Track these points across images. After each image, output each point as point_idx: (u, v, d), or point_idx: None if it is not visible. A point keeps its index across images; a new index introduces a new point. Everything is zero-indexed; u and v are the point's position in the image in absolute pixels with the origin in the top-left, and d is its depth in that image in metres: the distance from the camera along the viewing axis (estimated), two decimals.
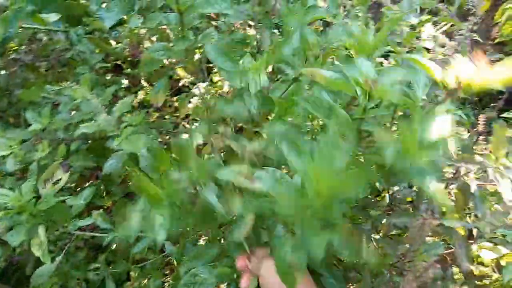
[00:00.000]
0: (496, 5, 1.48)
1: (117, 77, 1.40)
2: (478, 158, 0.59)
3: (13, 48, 1.34)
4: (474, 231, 0.71)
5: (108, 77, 1.40)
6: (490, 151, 0.58)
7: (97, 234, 0.98)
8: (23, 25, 0.93)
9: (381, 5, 1.00)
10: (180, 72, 1.31)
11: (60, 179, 0.89)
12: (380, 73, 0.50)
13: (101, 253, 1.14)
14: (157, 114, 1.43)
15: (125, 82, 1.44)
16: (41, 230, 0.83)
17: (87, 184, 1.17)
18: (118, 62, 1.50)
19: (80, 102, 0.89)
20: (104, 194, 1.15)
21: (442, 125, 0.46)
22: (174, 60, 1.17)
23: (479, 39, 1.10)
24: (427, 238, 0.73)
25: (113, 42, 1.33)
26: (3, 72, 1.28)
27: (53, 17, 0.86)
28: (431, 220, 0.58)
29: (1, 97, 1.30)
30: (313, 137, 0.66)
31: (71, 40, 1.00)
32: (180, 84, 1.40)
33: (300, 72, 0.66)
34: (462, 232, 0.68)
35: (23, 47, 1.35)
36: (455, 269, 0.74)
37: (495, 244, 0.74)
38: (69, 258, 1.17)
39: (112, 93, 0.92)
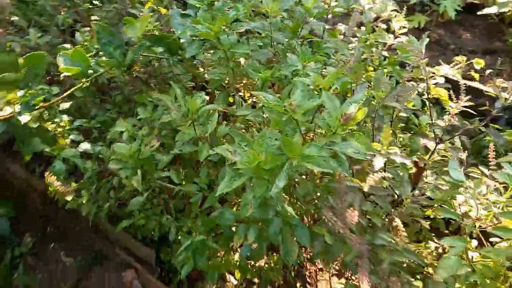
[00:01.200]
0: None
1: (196, 90, 2.00)
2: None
3: (136, 70, 2.03)
4: None
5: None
6: (380, 141, 0.96)
7: (170, 185, 1.53)
8: (143, 54, 1.55)
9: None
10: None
11: (154, 145, 1.46)
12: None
13: (171, 202, 1.68)
14: None
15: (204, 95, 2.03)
16: (139, 171, 1.40)
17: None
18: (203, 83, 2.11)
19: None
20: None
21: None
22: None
23: None
24: None
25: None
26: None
27: (159, 49, 1.46)
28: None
29: (124, 99, 1.99)
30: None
31: (170, 64, 1.60)
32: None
33: None
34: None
35: (142, 69, 2.03)
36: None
37: None
38: (153, 207, 1.75)
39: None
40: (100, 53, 1.46)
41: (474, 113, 1.86)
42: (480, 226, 1.26)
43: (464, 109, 1.67)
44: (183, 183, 1.52)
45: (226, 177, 0.99)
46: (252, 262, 2.00)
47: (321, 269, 2.06)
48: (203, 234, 1.39)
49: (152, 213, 1.69)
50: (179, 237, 1.65)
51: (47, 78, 2.01)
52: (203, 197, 1.51)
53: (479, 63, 2.61)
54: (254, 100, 1.64)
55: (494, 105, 1.50)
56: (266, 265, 1.93)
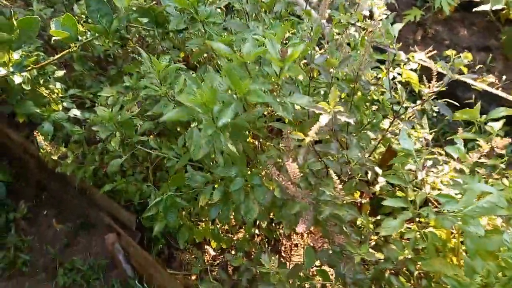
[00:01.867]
0: None
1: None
2: (320, 105, 1.05)
3: (130, 45, 2.14)
4: None
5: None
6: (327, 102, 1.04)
7: (149, 151, 1.63)
8: (131, 25, 1.65)
9: None
10: None
11: (134, 110, 1.57)
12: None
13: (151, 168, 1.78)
14: None
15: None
16: (118, 133, 1.50)
17: None
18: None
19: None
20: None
21: None
22: None
23: None
24: None
25: None
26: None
27: (144, 20, 1.56)
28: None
29: (118, 73, 2.11)
30: None
31: (155, 36, 1.70)
32: None
33: None
34: None
35: (137, 45, 2.14)
36: None
37: None
38: (135, 174, 1.85)
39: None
40: (90, 20, 1.57)
41: (457, 104, 1.92)
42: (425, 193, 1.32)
43: (449, 101, 1.73)
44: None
45: (173, 111, 1.08)
46: (230, 235, 2.10)
47: (296, 245, 2.14)
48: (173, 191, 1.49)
49: (134, 179, 1.79)
50: None
51: (45, 47, 2.13)
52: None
53: (467, 57, 2.66)
54: None
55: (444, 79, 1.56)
56: (242, 237, 2.02)
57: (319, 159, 1.17)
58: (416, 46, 3.20)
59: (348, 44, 1.80)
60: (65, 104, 1.92)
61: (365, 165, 1.16)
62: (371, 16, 1.98)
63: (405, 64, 1.84)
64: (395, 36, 1.64)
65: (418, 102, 1.73)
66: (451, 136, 2.73)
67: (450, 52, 2.61)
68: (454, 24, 3.39)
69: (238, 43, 1.38)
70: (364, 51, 1.25)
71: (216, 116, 1.10)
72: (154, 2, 2.10)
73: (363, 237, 1.31)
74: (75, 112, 1.82)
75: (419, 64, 1.82)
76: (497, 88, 2.77)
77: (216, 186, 1.45)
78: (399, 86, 1.76)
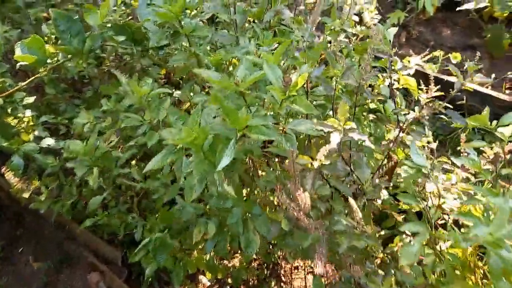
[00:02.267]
0: None
1: (168, 85, 1.96)
2: (329, 123, 0.93)
3: (106, 64, 1.98)
4: None
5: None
6: (336, 118, 0.92)
7: (132, 183, 1.47)
8: (107, 44, 1.50)
9: None
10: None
11: (112, 140, 1.41)
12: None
13: (136, 199, 1.63)
14: None
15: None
16: (95, 169, 1.35)
17: None
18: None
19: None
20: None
21: None
22: None
23: None
24: None
25: None
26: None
27: (121, 38, 1.42)
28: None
29: (95, 94, 1.94)
30: None
31: (133, 53, 1.55)
32: None
33: None
34: None
35: (113, 63, 1.99)
36: None
37: None
38: (117, 206, 1.69)
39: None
40: (60, 41, 1.41)
41: (450, 106, 1.84)
42: (443, 212, 1.22)
43: (440, 102, 1.64)
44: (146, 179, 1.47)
45: (159, 154, 0.95)
46: (225, 262, 1.94)
47: (296, 268, 2.00)
48: (163, 230, 1.34)
49: (117, 211, 1.63)
50: None
51: (15, 71, 1.96)
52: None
53: (455, 57, 2.60)
54: None
55: (454, 85, 1.47)
56: (238, 264, 1.87)
57: (328, 184, 1.04)
58: (401, 49, 3.14)
59: (340, 51, 1.70)
60: (37, 132, 1.74)
61: (378, 186, 1.05)
62: (360, 21, 1.89)
63: (400, 69, 1.75)
64: (390, 41, 1.55)
65: (417, 108, 1.64)
66: (444, 137, 2.62)
67: (438, 53, 2.55)
68: (437, 24, 3.36)
69: (227, 57, 1.26)
70: (366, 60, 1.14)
71: (207, 150, 0.96)
72: (129, 18, 1.97)
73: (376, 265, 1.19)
74: (48, 141, 1.65)
75: (419, 72, 1.73)
76: (487, 87, 2.73)
77: (210, 216, 1.31)
78: (397, 93, 1.67)
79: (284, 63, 1.17)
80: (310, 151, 0.97)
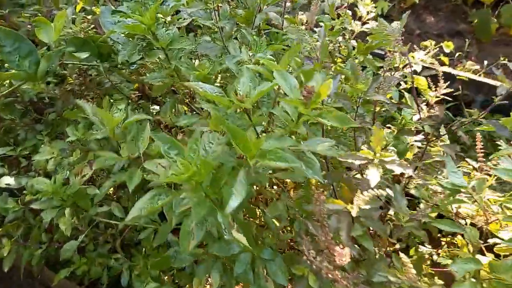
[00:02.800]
0: None
1: (144, 100, 1.72)
2: (361, 154, 0.74)
3: (69, 82, 1.72)
4: None
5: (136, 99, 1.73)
6: (369, 147, 0.73)
7: (113, 222, 1.24)
8: (66, 62, 1.25)
9: None
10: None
11: (86, 174, 1.17)
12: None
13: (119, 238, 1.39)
14: None
15: (154, 106, 1.75)
16: (67, 211, 1.11)
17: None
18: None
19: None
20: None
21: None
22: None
23: None
24: None
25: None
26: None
27: (83, 55, 1.17)
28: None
29: (59, 118, 1.68)
30: None
31: (100, 72, 1.31)
32: None
33: None
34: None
35: (77, 81, 1.72)
36: None
37: None
38: (97, 247, 1.45)
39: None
40: (6, 64, 1.16)
41: (449, 99, 1.69)
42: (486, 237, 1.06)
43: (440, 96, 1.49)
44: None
45: (147, 195, 0.74)
46: None
47: None
48: (156, 278, 1.12)
49: (98, 254, 1.39)
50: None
51: None
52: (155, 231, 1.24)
53: (448, 46, 2.47)
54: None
55: (497, 90, 1.31)
56: None
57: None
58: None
59: (339, 52, 1.51)
60: None
61: (416, 221, 0.87)
62: (353, 15, 1.71)
63: (404, 67, 1.57)
64: (400, 38, 1.37)
65: (424, 108, 1.48)
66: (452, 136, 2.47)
67: (428, 42, 2.40)
68: (420, 12, 3.23)
69: (215, 69, 1.05)
70: (386, 67, 0.95)
71: (208, 186, 0.76)
72: (92, 27, 1.71)
73: None
74: (7, 180, 1.39)
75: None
76: (480, 75, 2.62)
77: (211, 260, 1.10)
78: (407, 94, 1.50)
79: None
80: (341, 191, 0.78)
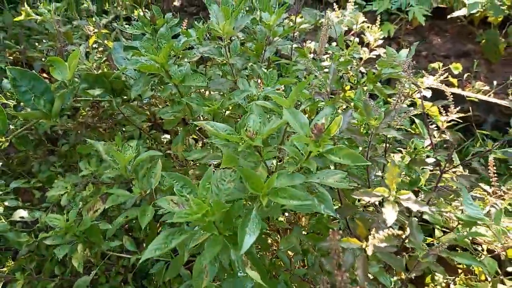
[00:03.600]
0: None
1: (156, 131, 1.74)
2: (376, 192, 0.73)
3: (82, 114, 1.75)
4: None
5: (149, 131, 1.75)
6: (385, 185, 0.73)
7: (125, 256, 1.24)
8: (80, 98, 1.28)
9: None
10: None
11: (98, 209, 1.18)
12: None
13: (130, 273, 1.39)
14: None
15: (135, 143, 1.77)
16: (79, 247, 1.11)
17: None
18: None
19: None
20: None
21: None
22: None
23: None
24: None
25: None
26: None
27: (97, 91, 1.20)
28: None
29: (70, 147, 1.71)
30: None
31: (113, 106, 1.34)
32: None
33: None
34: None
35: (90, 112, 1.76)
36: None
37: None
38: (109, 279, 1.44)
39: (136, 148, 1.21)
40: (22, 103, 1.19)
41: (459, 121, 1.68)
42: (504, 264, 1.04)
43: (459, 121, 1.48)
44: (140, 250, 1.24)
45: (161, 235, 0.73)
46: None
47: None
48: None
49: (110, 286, 1.39)
50: None
51: None
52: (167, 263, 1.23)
53: (457, 67, 2.47)
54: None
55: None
56: None
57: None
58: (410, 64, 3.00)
59: (349, 80, 1.52)
60: (7, 203, 1.49)
61: (431, 255, 0.85)
62: (361, 42, 1.72)
63: (414, 93, 1.58)
64: (410, 65, 1.38)
65: (435, 133, 1.47)
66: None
67: (437, 65, 2.40)
68: (425, 34, 3.25)
69: (225, 105, 1.06)
70: (397, 99, 0.95)
71: (221, 223, 0.76)
72: (104, 60, 1.75)
73: None
74: (21, 213, 1.40)
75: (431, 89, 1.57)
76: (490, 95, 2.60)
77: None
78: (417, 121, 1.49)
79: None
80: (355, 228, 0.77)
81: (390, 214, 0.68)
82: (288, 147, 0.79)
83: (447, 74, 2.67)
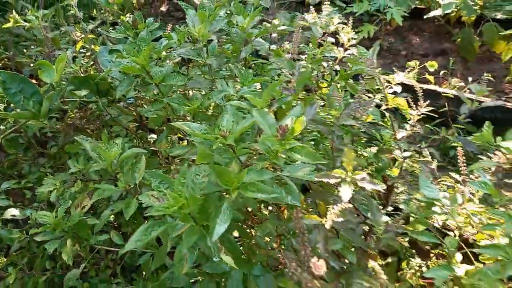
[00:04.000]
0: None
1: (142, 131, 1.81)
2: (335, 174, 0.81)
3: (70, 116, 1.82)
4: None
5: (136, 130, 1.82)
6: (342, 166, 0.81)
7: (112, 249, 1.31)
8: (67, 99, 1.35)
9: None
10: None
11: (85, 205, 1.25)
12: None
13: (118, 265, 1.45)
14: None
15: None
16: (68, 241, 1.18)
17: None
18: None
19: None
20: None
21: None
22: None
23: None
24: None
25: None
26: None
27: (83, 92, 1.27)
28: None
29: (59, 148, 1.77)
30: None
31: (99, 107, 1.41)
32: None
33: None
34: None
35: (77, 114, 1.82)
36: None
37: None
38: (98, 273, 1.51)
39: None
40: (12, 105, 1.25)
41: (435, 116, 1.78)
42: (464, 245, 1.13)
43: (425, 113, 1.58)
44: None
45: (142, 227, 0.81)
46: None
47: None
48: None
49: (100, 280, 1.45)
50: None
51: None
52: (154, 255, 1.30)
53: (432, 65, 2.58)
54: None
55: (460, 109, 1.40)
56: None
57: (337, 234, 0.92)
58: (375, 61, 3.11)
59: (323, 77, 1.61)
60: None
61: (390, 232, 0.93)
62: (337, 42, 1.81)
63: (387, 87, 1.67)
64: (375, 62, 1.47)
65: (407, 126, 1.56)
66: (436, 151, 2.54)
67: (413, 63, 2.51)
68: (405, 34, 3.37)
69: (204, 104, 1.14)
70: (360, 91, 1.04)
71: (197, 214, 0.84)
72: (92, 63, 1.82)
73: None
74: (13, 212, 1.46)
75: (403, 84, 1.66)
76: (465, 91, 2.72)
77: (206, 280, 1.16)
78: (387, 114, 1.58)
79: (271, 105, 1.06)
80: (318, 207, 0.85)
81: (346, 192, 0.77)
82: (260, 145, 0.87)
83: (424, 72, 2.78)
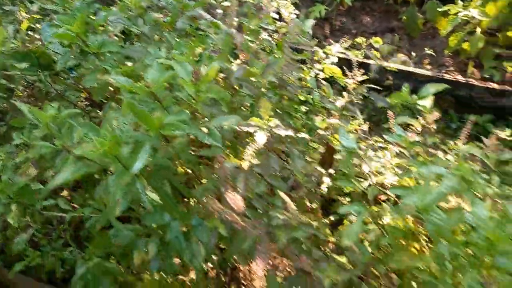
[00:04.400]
0: None
1: (92, 108, 1.85)
2: (253, 122, 0.90)
3: (17, 95, 1.83)
4: None
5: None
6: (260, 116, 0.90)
7: (59, 214, 1.36)
8: (8, 73, 1.38)
9: None
10: None
11: (31, 174, 1.29)
12: None
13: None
14: None
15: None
16: (13, 206, 1.22)
17: None
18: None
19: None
20: None
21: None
22: None
23: None
24: None
25: None
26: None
27: (23, 65, 1.30)
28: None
29: (8, 128, 1.78)
30: None
31: (43, 80, 1.44)
32: None
33: None
34: None
35: (25, 93, 1.84)
36: None
37: None
38: (51, 243, 1.55)
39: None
40: None
41: (380, 88, 1.91)
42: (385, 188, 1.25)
43: (371, 85, 1.70)
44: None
45: (69, 167, 0.88)
46: (180, 277, 1.86)
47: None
48: (102, 257, 1.24)
49: (51, 249, 1.50)
50: None
51: None
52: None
53: (377, 41, 2.72)
54: None
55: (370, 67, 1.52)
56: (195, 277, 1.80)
57: (262, 179, 1.02)
58: (327, 40, 3.23)
59: (263, 49, 1.69)
60: None
61: (312, 175, 1.04)
62: (280, 18, 1.90)
63: (324, 59, 1.78)
64: (309, 33, 1.57)
65: (345, 94, 1.68)
66: (377, 117, 2.71)
67: (360, 39, 2.64)
68: (356, 13, 3.51)
69: (138, 68, 1.20)
70: (283, 54, 1.13)
71: (128, 159, 0.91)
72: (40, 43, 1.82)
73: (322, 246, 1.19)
74: None
75: (346, 59, 1.78)
76: (409, 65, 2.88)
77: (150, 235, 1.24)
78: (324, 82, 1.69)
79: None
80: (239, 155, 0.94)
81: (261, 137, 0.86)
82: (183, 94, 0.95)
83: (369, 47, 2.92)
